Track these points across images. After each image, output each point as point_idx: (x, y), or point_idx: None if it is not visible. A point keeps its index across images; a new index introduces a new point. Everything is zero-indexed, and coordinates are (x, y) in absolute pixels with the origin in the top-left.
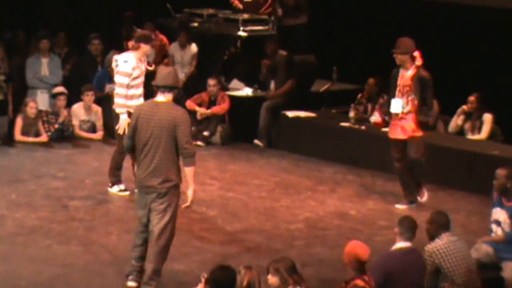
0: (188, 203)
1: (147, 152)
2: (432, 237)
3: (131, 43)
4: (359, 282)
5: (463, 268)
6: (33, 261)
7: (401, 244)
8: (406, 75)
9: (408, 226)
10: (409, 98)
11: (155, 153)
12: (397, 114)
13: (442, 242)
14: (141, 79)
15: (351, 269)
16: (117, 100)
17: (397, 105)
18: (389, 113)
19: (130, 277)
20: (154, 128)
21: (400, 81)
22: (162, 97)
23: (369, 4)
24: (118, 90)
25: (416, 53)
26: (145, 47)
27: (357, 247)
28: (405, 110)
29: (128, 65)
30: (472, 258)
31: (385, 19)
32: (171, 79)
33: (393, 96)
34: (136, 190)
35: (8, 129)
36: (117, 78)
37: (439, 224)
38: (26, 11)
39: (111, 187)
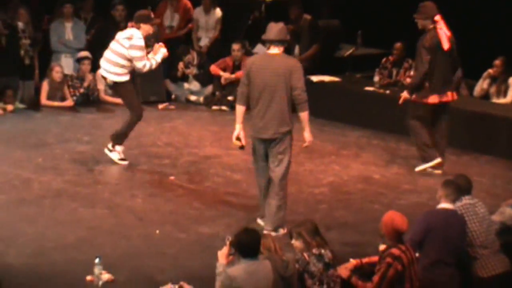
0: (306, 143)
1: (262, 101)
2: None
3: (130, 24)
4: (395, 251)
5: (481, 229)
6: (60, 223)
7: (445, 205)
8: None
9: (454, 189)
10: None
11: (271, 102)
12: None
13: (460, 204)
14: None
15: (388, 239)
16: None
17: None
18: None
19: (260, 221)
20: (269, 77)
21: None
22: (276, 50)
23: None
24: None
25: (438, 17)
26: (145, 27)
27: (395, 219)
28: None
29: (140, 39)
30: (492, 220)
31: None
32: (284, 34)
33: None
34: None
35: (35, 93)
36: (133, 52)
37: (459, 187)
38: None
39: (111, 150)
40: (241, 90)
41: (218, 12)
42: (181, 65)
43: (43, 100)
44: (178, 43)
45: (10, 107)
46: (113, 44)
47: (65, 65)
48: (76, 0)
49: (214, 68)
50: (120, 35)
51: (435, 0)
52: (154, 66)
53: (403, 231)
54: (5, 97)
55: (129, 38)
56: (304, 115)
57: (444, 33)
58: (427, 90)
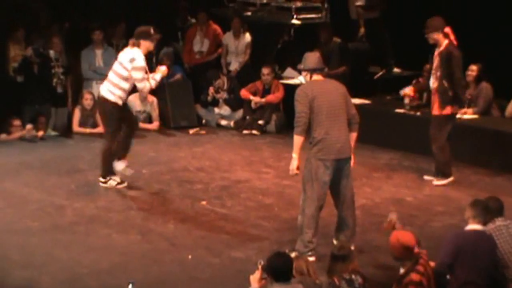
0: (352, 163)
1: (333, 123)
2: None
3: (131, 41)
4: (415, 277)
5: None
6: (93, 249)
7: (473, 226)
8: (437, 52)
9: (482, 209)
10: (437, 74)
11: (341, 122)
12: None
13: (493, 225)
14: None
15: (404, 259)
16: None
17: (431, 81)
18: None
19: (310, 252)
20: (335, 99)
21: (435, 59)
22: (319, 76)
23: None
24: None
25: (447, 30)
26: (145, 43)
27: (400, 237)
28: (433, 86)
29: (142, 60)
30: None
31: (439, 4)
32: (322, 62)
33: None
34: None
35: (68, 120)
36: (135, 74)
37: (487, 208)
38: (84, 2)
39: (105, 182)
40: (304, 121)
41: (247, 36)
42: (211, 89)
43: (75, 127)
44: (208, 68)
45: (40, 132)
46: (115, 66)
47: (96, 92)
48: (108, 27)
49: (244, 92)
50: (123, 57)
51: (466, 19)
52: (154, 86)
53: (413, 246)
54: (37, 123)
55: (132, 60)
56: (355, 135)
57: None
58: (458, 101)
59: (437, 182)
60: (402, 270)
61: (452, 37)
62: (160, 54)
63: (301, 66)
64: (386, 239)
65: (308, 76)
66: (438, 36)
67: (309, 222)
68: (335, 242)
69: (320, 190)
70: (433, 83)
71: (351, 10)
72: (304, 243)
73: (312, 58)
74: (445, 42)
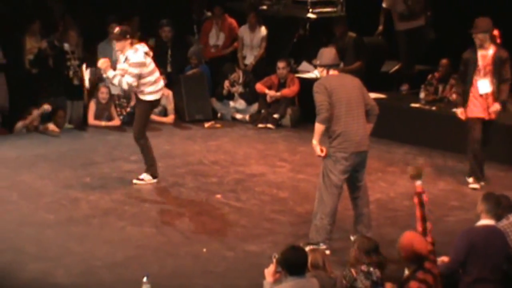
0: None
1: (352, 116)
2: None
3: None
4: (413, 285)
5: None
6: (108, 242)
7: (486, 221)
8: (488, 55)
9: (495, 203)
10: (492, 78)
11: (359, 115)
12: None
13: (507, 221)
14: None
15: (409, 263)
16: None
17: (485, 85)
18: (466, 94)
19: (324, 245)
20: (352, 92)
21: (482, 62)
22: (335, 72)
23: None
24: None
25: (496, 32)
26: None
27: (415, 241)
28: (489, 90)
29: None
30: None
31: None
32: (338, 58)
33: (470, 80)
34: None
35: (83, 113)
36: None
37: (504, 206)
38: None
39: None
40: (326, 108)
41: (263, 30)
42: (226, 83)
43: (91, 119)
44: (224, 61)
45: (55, 128)
46: None
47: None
48: (123, 20)
49: (259, 86)
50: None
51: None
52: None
53: (423, 255)
54: (56, 116)
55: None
56: (372, 125)
57: None
58: None
59: (476, 185)
60: (406, 272)
61: (498, 40)
62: (189, 53)
63: (317, 62)
64: (401, 233)
65: (324, 71)
66: (485, 37)
67: (325, 213)
68: (352, 238)
69: (338, 183)
70: (485, 87)
71: (395, 22)
72: (318, 231)
73: (328, 54)
74: (492, 46)
